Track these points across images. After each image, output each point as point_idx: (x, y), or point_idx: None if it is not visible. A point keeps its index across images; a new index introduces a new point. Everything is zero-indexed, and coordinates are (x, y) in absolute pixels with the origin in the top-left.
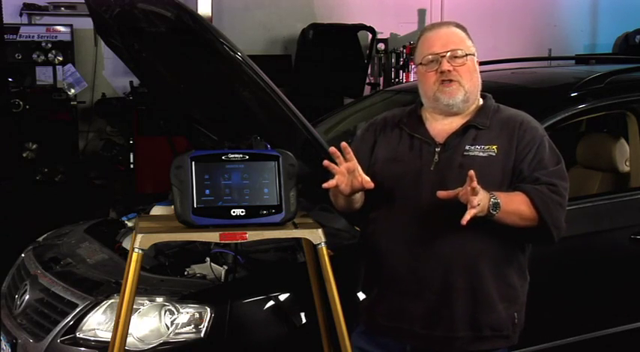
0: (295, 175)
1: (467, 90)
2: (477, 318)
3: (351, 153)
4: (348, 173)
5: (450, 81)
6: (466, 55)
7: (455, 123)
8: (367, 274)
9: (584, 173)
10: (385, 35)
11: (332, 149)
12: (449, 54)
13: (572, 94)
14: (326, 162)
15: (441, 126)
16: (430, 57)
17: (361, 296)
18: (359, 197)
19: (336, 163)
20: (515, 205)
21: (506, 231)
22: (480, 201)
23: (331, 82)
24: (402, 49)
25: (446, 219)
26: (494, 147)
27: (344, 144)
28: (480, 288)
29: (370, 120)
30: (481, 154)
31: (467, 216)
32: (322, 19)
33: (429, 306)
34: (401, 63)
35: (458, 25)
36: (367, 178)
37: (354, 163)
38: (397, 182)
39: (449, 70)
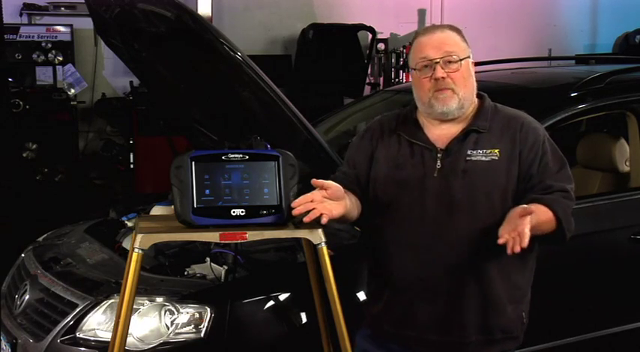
0: (295, 175)
1: (461, 97)
2: (487, 322)
3: (325, 183)
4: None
5: (445, 88)
6: (460, 59)
7: (454, 127)
8: (373, 281)
9: (584, 173)
10: (385, 35)
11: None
12: (442, 59)
13: (572, 94)
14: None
15: (439, 131)
16: (424, 62)
17: (361, 296)
18: (350, 207)
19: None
20: (543, 226)
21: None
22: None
23: (331, 82)
24: (402, 49)
25: (452, 225)
26: (496, 150)
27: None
28: (490, 293)
29: (366, 126)
30: (484, 159)
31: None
32: (322, 19)
33: (439, 312)
34: (401, 63)
35: (452, 28)
36: (331, 184)
37: (317, 194)
38: (401, 189)
39: (443, 78)
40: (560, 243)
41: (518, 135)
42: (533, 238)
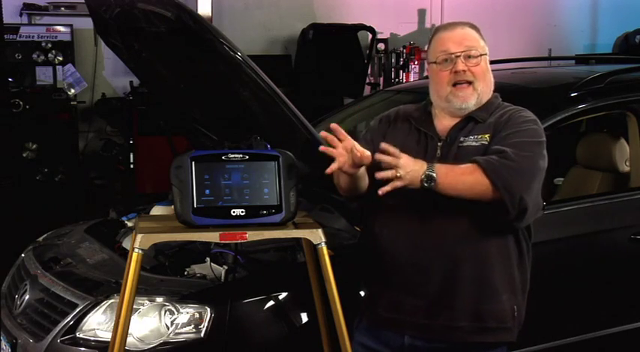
0: (295, 175)
1: (480, 92)
2: (480, 308)
3: (343, 133)
4: (346, 152)
5: (465, 83)
6: (480, 55)
7: (458, 119)
8: (369, 267)
9: (584, 173)
10: (385, 35)
11: (323, 133)
12: (463, 54)
13: (572, 94)
14: (322, 148)
15: (447, 122)
16: (444, 56)
17: (363, 295)
18: (363, 172)
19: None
20: (457, 176)
21: (504, 223)
22: (400, 173)
23: (331, 82)
24: (402, 49)
25: (448, 211)
26: (486, 136)
27: (333, 125)
28: (484, 277)
29: (383, 112)
30: (474, 144)
31: (386, 188)
32: (322, 19)
33: (430, 296)
34: (401, 63)
35: (472, 26)
36: (365, 150)
37: (349, 141)
38: None
39: (463, 71)
40: (504, 209)
41: (504, 120)
42: (477, 205)
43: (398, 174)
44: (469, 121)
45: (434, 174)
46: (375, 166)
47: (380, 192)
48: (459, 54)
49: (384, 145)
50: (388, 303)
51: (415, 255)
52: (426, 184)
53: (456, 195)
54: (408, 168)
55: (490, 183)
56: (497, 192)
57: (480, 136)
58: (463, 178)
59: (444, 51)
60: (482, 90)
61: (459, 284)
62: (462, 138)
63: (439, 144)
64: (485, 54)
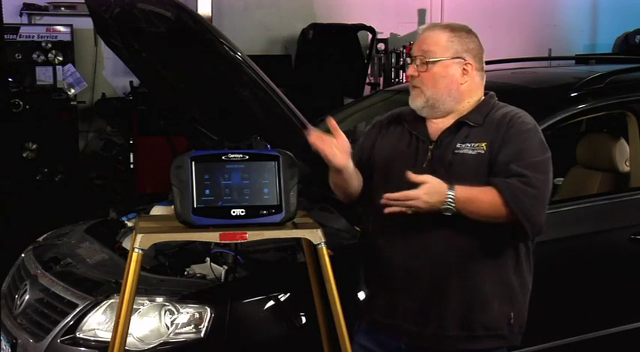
0: (295, 175)
1: (428, 97)
2: (468, 317)
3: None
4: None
5: (414, 86)
6: (431, 61)
7: (449, 121)
8: (367, 270)
9: (584, 173)
10: (385, 35)
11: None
12: (418, 58)
13: (572, 94)
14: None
15: (437, 125)
16: (409, 60)
17: (361, 296)
18: (352, 171)
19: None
20: (477, 204)
21: (500, 228)
22: (420, 206)
23: (331, 82)
24: (402, 49)
25: (439, 216)
26: (483, 144)
27: (332, 123)
28: (473, 286)
29: (377, 117)
30: (470, 152)
31: (393, 209)
32: (322, 19)
33: (420, 303)
34: (401, 63)
35: (444, 27)
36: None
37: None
38: (394, 178)
39: (413, 76)
40: (524, 235)
41: (504, 128)
42: (494, 226)
43: (409, 212)
44: (462, 125)
45: (452, 207)
46: (367, 171)
47: (386, 211)
48: (414, 58)
49: (410, 175)
50: (384, 307)
51: (407, 260)
52: (444, 213)
53: (473, 219)
54: (427, 204)
55: (510, 211)
56: (517, 219)
57: (476, 144)
58: (483, 206)
59: (410, 54)
60: (433, 96)
61: (447, 293)
62: (458, 144)
63: (430, 147)
64: (452, 58)
